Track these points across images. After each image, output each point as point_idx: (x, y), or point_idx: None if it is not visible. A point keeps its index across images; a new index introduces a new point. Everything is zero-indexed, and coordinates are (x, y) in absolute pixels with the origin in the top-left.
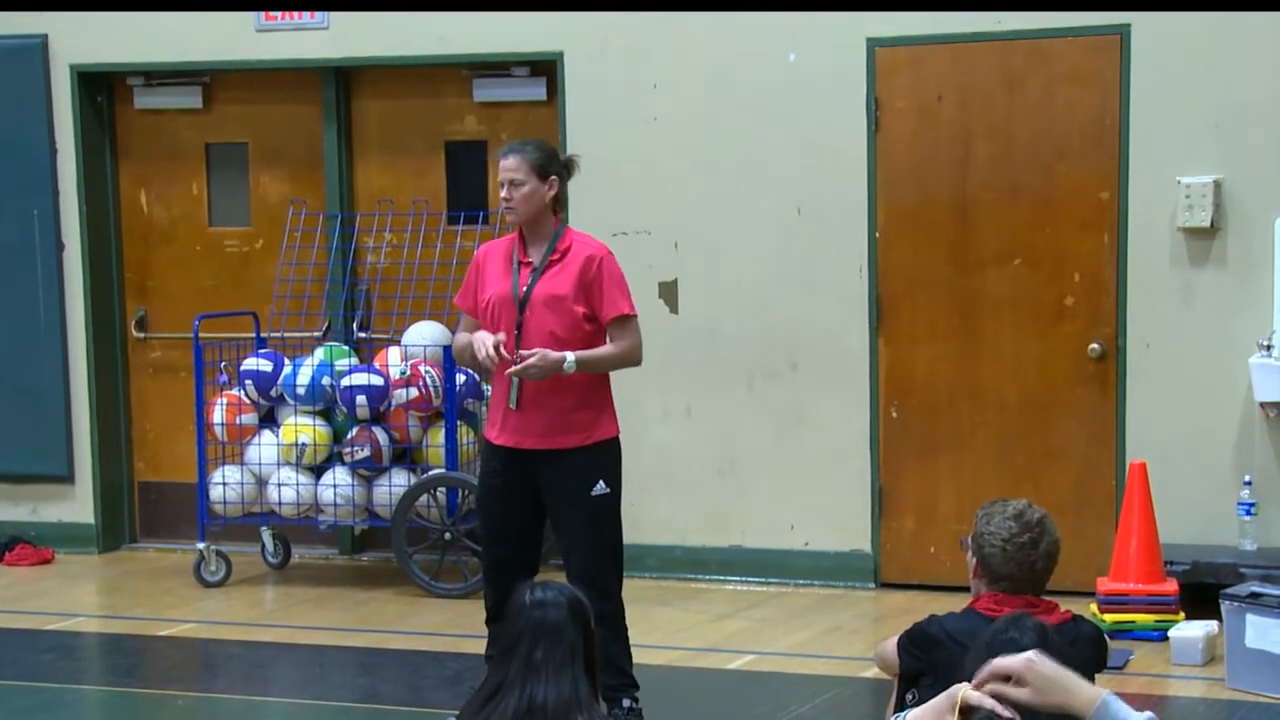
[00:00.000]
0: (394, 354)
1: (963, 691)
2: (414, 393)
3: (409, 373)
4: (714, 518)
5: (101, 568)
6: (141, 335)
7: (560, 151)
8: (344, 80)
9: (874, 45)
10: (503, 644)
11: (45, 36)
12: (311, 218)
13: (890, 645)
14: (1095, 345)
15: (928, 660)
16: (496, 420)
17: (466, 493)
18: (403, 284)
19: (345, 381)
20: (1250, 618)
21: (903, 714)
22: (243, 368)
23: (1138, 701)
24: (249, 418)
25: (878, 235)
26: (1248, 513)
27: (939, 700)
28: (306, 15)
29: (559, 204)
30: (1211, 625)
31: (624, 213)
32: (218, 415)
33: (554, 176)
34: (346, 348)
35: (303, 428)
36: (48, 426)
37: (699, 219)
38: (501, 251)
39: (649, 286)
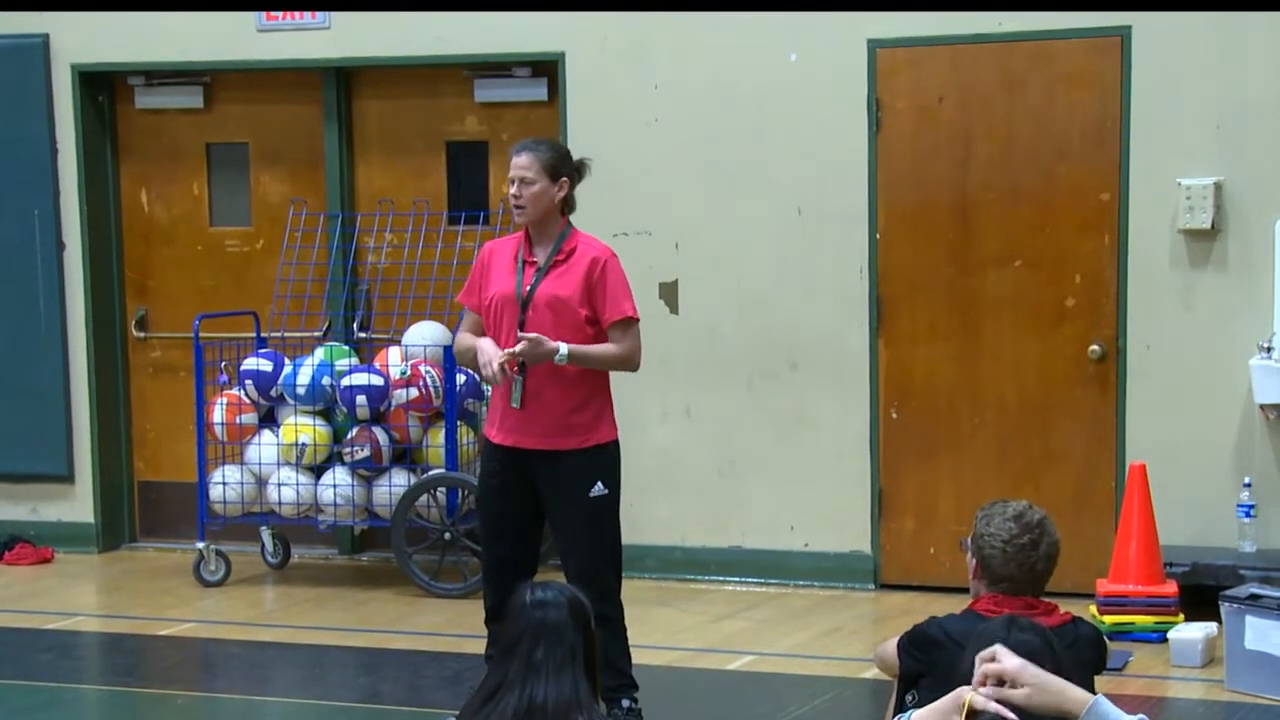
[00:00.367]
0: (394, 354)
1: (969, 695)
2: (414, 393)
3: (409, 373)
4: (714, 518)
5: (101, 567)
6: (142, 335)
7: (573, 154)
8: (345, 80)
9: (875, 46)
10: (503, 644)
11: (46, 36)
12: (312, 218)
13: (890, 646)
14: (1095, 346)
15: (928, 661)
16: (496, 420)
17: (466, 493)
18: (403, 284)
19: (345, 381)
20: (1250, 619)
21: (904, 715)
22: (243, 367)
23: (1137, 704)
24: (249, 417)
25: (878, 236)
26: (1247, 514)
27: (944, 702)
28: (307, 15)
29: (568, 206)
30: (1211, 627)
31: (624, 213)
32: (218, 415)
33: (565, 178)
34: (347, 348)
35: (303, 428)
36: (48, 426)
37: (699, 219)
38: (507, 250)
39: (649, 287)
